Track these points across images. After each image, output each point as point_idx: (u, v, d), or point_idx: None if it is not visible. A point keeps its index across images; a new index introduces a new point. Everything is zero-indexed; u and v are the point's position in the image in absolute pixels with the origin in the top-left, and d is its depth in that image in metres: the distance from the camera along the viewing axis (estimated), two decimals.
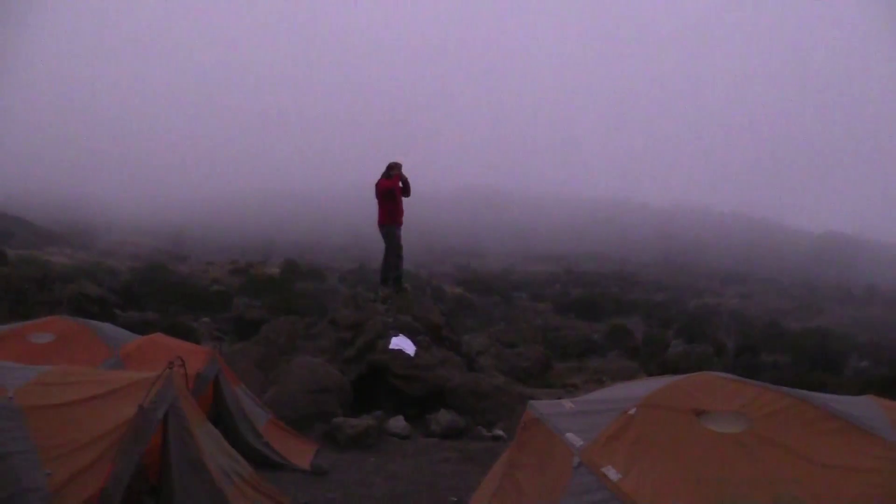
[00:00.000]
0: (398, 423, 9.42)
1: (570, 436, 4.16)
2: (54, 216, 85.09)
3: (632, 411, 4.13)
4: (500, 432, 9.55)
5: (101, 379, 4.82)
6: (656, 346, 23.64)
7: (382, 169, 11.94)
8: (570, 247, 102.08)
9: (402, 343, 10.69)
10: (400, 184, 11.89)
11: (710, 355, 20.47)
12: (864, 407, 3.97)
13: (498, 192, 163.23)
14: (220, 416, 7.06)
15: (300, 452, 7.81)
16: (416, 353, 10.64)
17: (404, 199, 12.10)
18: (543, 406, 4.76)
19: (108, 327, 7.78)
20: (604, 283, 57.99)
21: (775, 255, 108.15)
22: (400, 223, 12.02)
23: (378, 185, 11.83)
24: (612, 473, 3.73)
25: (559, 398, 5.66)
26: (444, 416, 9.69)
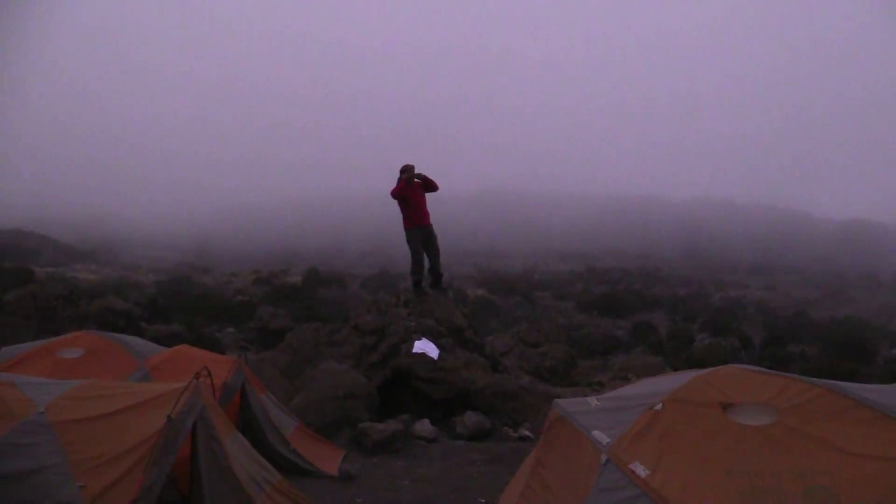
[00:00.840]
0: (424, 426, 9.42)
1: (596, 433, 4.14)
2: (79, 234, 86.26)
3: (658, 407, 4.10)
4: (526, 432, 9.53)
5: (130, 391, 4.88)
6: (681, 341, 23.45)
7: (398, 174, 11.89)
8: (592, 245, 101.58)
9: (425, 346, 10.68)
10: (413, 183, 11.77)
11: (737, 348, 20.26)
12: None
13: (518, 193, 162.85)
14: (248, 424, 7.11)
15: (328, 458, 7.85)
16: (440, 356, 10.62)
17: (434, 194, 12.01)
18: (569, 404, 4.74)
19: (135, 341, 7.86)
20: (626, 279, 57.68)
21: (799, 245, 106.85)
22: (418, 225, 11.87)
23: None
24: (640, 470, 3.71)
25: (585, 396, 5.64)
26: (470, 418, 9.68)
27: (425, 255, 12.08)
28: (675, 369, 15.22)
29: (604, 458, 3.92)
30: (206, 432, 4.83)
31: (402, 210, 11.85)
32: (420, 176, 11.70)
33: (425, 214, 11.91)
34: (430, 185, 11.85)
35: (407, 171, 11.61)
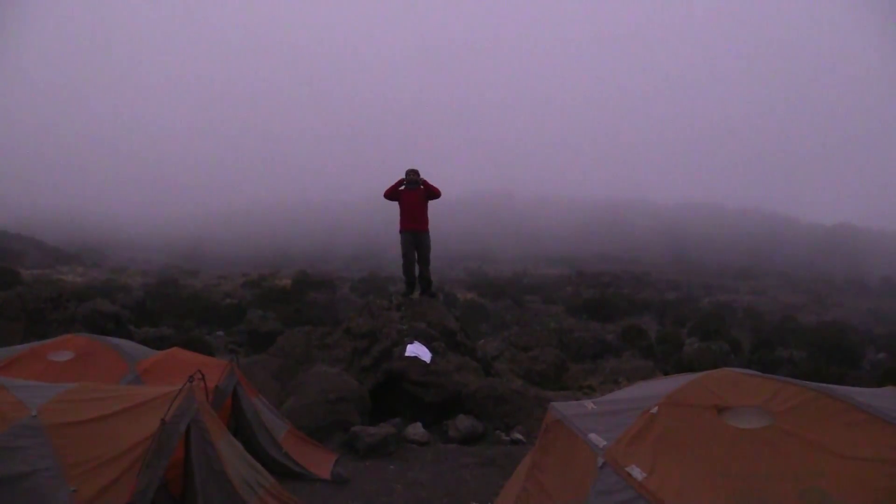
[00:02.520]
0: (416, 429, 9.41)
1: (593, 436, 4.14)
2: (65, 236, 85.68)
3: (654, 410, 4.12)
4: (518, 436, 9.54)
5: (122, 395, 4.85)
6: (671, 345, 23.55)
7: (390, 178, 11.92)
8: (581, 248, 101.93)
9: (417, 350, 10.68)
10: (417, 186, 11.78)
11: (726, 352, 20.38)
12: (888, 398, 3.93)
13: (507, 197, 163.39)
14: (240, 428, 7.08)
15: (320, 462, 7.82)
16: (432, 360, 10.63)
17: (435, 201, 12.04)
18: (565, 407, 4.75)
19: (125, 343, 7.81)
20: (615, 283, 57.80)
21: (787, 250, 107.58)
22: (408, 229, 11.88)
23: None
24: (637, 472, 3.72)
25: (577, 400, 5.65)
26: (462, 422, 9.68)
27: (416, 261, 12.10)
28: (666, 373, 15.30)
29: (600, 461, 3.93)
30: (200, 435, 4.80)
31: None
32: (422, 181, 11.75)
33: (420, 220, 11.90)
34: (431, 192, 11.87)
35: (407, 174, 11.71)
